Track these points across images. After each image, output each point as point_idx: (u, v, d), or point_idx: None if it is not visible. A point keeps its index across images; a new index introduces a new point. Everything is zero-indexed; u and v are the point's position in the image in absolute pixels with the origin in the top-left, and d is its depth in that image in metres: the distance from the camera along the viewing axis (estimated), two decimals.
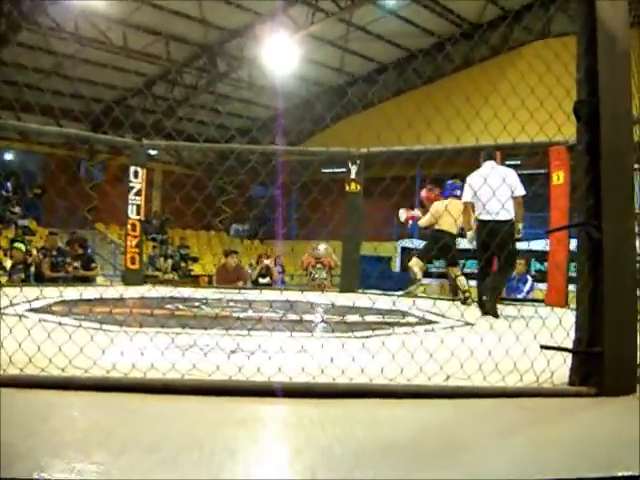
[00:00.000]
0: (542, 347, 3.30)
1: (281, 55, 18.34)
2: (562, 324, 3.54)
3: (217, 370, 2.94)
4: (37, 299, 6.48)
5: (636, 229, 3.43)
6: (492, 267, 7.67)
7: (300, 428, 2.35)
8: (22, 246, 12.49)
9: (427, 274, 19.96)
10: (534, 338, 3.50)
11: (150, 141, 11.54)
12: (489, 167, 7.51)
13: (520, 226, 7.40)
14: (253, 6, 18.19)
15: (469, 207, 7.66)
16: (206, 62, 20.37)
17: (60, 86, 17.67)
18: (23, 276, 11.54)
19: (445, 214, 8.40)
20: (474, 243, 7.80)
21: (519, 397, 2.98)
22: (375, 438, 2.31)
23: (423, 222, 9.76)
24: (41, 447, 2.04)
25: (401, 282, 15.93)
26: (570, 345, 3.22)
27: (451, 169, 8.19)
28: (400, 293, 9.28)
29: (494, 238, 6.46)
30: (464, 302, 9.01)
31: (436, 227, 9.21)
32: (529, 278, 11.30)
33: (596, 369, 3.06)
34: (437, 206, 9.28)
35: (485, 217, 7.15)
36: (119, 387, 2.79)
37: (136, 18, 17.79)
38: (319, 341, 3.91)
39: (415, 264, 9.43)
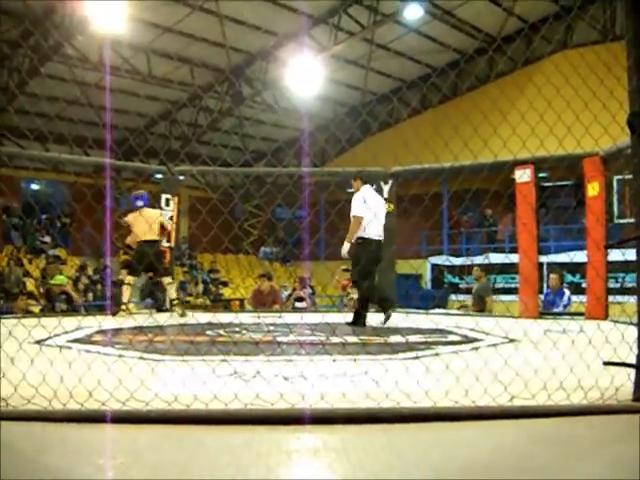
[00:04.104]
0: (605, 363, 3.25)
1: (305, 76, 18.37)
2: (610, 339, 3.52)
3: (280, 399, 2.92)
4: (77, 329, 6.53)
5: None
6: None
7: (374, 456, 2.31)
8: (64, 279, 12.60)
9: (457, 290, 19.96)
10: (597, 355, 3.45)
11: (179, 167, 11.62)
12: (372, 190, 8.13)
13: None
14: (276, 28, 18.26)
15: (361, 221, 7.65)
16: (230, 86, 20.40)
17: (81, 115, 17.78)
18: (64, 307, 11.63)
19: (139, 225, 9.11)
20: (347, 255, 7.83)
21: (585, 415, 2.93)
22: (452, 462, 2.27)
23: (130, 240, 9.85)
24: None
25: (431, 299, 15.92)
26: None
27: (472, 184, 8.07)
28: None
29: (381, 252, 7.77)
30: (171, 310, 9.62)
31: (138, 240, 9.46)
32: (566, 291, 11.07)
33: None
34: (132, 218, 9.61)
35: (376, 238, 7.79)
36: (182, 419, 2.77)
37: (158, 45, 17.93)
38: (377, 364, 3.86)
39: (128, 280, 9.65)
